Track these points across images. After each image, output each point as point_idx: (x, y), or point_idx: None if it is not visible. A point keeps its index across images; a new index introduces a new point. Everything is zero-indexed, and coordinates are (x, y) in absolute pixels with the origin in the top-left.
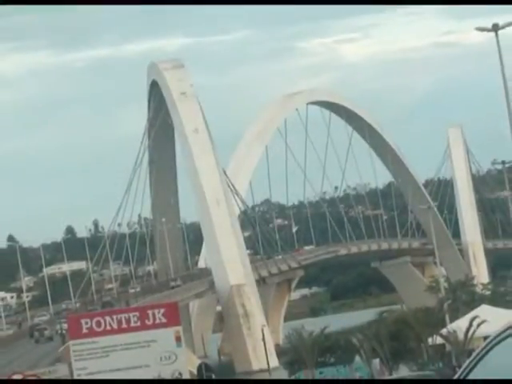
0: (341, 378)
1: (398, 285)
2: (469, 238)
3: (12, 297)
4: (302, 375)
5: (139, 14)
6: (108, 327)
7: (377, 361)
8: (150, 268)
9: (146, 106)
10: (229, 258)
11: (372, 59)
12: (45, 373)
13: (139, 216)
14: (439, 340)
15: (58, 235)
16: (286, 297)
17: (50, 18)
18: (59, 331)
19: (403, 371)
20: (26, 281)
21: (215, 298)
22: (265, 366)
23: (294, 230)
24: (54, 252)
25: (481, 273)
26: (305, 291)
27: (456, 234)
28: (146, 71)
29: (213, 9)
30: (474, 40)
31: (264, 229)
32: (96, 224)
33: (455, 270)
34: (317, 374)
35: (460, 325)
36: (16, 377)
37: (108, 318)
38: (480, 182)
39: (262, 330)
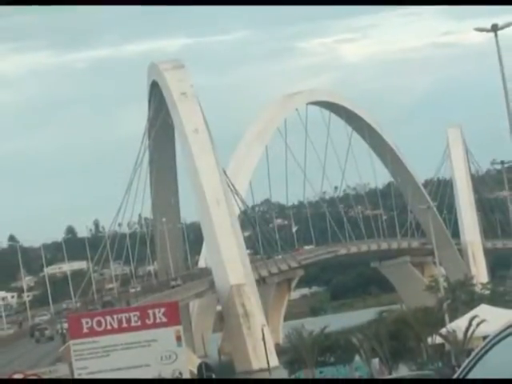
0: (341, 377)
1: (398, 284)
2: (468, 238)
3: (13, 296)
4: (302, 374)
5: (139, 15)
6: (108, 327)
7: (376, 360)
8: (151, 268)
9: (147, 107)
10: (229, 257)
11: (372, 59)
12: (45, 372)
13: (140, 216)
14: (438, 339)
15: (59, 235)
16: (285, 296)
17: (51, 19)
18: (60, 331)
19: (403, 371)
20: (26, 280)
21: (215, 298)
22: (265, 366)
23: (294, 229)
24: (55, 252)
25: (480, 272)
26: (305, 291)
27: (455, 233)
28: (146, 72)
29: (213, 9)
30: (474, 40)
31: (264, 229)
32: (96, 224)
33: (454, 269)
34: (317, 374)
35: (459, 324)
36: (17, 376)
37: (108, 318)
38: (479, 182)
39: (262, 330)
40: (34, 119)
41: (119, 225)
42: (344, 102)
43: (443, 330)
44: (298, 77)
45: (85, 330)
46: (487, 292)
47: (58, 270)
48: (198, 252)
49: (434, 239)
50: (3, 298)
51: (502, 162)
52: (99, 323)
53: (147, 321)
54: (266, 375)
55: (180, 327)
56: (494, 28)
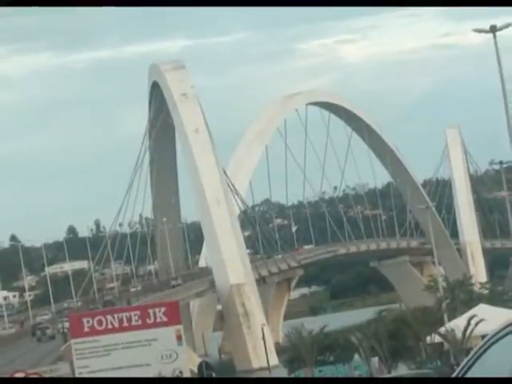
0: (340, 376)
1: (397, 284)
2: (467, 238)
3: (14, 296)
4: (302, 373)
5: (140, 16)
6: (109, 326)
7: (376, 359)
8: (151, 267)
9: (147, 107)
10: (229, 257)
11: (371, 60)
12: (47, 371)
13: (140, 216)
14: (437, 339)
15: (60, 235)
16: (285, 296)
17: (51, 20)
18: (61, 330)
19: (402, 369)
20: (28, 280)
21: (216, 297)
22: (265, 365)
23: (294, 229)
24: (56, 251)
25: (479, 272)
26: (304, 290)
27: (454, 233)
28: (146, 72)
29: (213, 11)
30: (472, 41)
31: (264, 228)
32: (97, 224)
33: (453, 269)
34: (316, 373)
35: (458, 323)
36: (18, 375)
37: (109, 317)
38: (478, 183)
39: (262, 329)
40: (35, 120)
41: (120, 225)
42: (343, 102)
43: (442, 329)
44: (298, 77)
45: (86, 329)
46: (486, 291)
47: (59, 270)
48: (199, 251)
49: (432, 239)
50: (5, 298)
51: (501, 163)
52: (100, 322)
53: (148, 320)
54: (265, 374)
55: (180, 326)
56: (493, 29)
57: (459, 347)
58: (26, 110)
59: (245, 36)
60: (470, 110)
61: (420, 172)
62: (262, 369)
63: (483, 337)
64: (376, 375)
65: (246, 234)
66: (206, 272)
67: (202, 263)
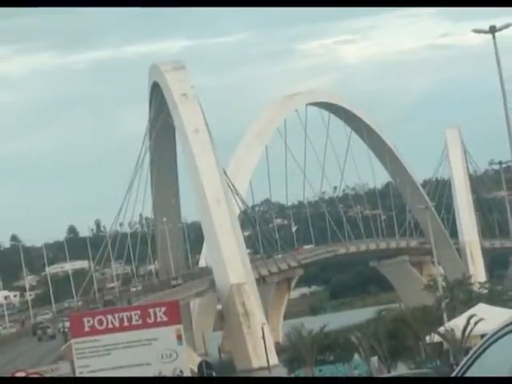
0: (340, 375)
1: (397, 284)
2: (466, 238)
3: (15, 295)
4: (302, 373)
5: (140, 17)
6: (110, 325)
7: (375, 359)
8: (152, 267)
9: (147, 107)
10: (229, 257)
11: (371, 61)
12: (47, 371)
13: (140, 216)
14: (437, 338)
15: (61, 235)
16: (285, 295)
17: (52, 21)
18: (62, 329)
19: (401, 369)
20: (28, 280)
21: (216, 297)
22: (265, 364)
23: (294, 229)
24: (57, 251)
25: (478, 272)
26: (304, 290)
27: (453, 233)
28: (147, 73)
29: (213, 11)
30: (471, 42)
31: (264, 228)
32: (98, 224)
33: (453, 269)
34: (316, 372)
35: (457, 323)
36: (19, 375)
37: (110, 317)
38: (477, 182)
39: (262, 329)
40: (36, 120)
41: (120, 224)
42: (343, 102)
43: (441, 329)
44: (298, 78)
45: (86, 329)
46: (485, 291)
47: (59, 270)
48: (199, 251)
49: (432, 239)
50: (6, 297)
51: (500, 163)
52: (100, 322)
53: (148, 320)
54: (265, 373)
55: (180, 326)
56: (492, 30)
57: (458, 347)
58: (27, 110)
59: (245, 36)
60: (470, 110)
61: (419, 172)
62: (261, 368)
63: (482, 336)
64: (375, 375)
65: (246, 233)
66: (206, 272)
67: (202, 263)
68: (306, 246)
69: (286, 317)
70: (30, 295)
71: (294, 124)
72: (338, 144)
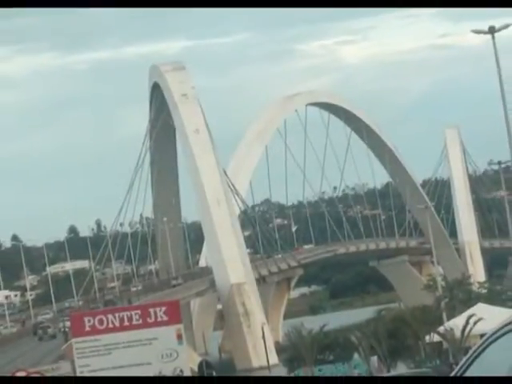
0: (339, 375)
1: (396, 283)
2: (465, 238)
3: (16, 295)
4: (302, 372)
5: (140, 17)
6: (110, 325)
7: (375, 358)
8: (152, 267)
9: (148, 108)
10: (229, 256)
11: (371, 61)
12: (48, 370)
13: (141, 216)
14: (436, 338)
15: (61, 235)
16: (285, 295)
17: (53, 21)
18: (62, 329)
19: (401, 368)
20: (29, 279)
21: (216, 297)
22: (264, 364)
23: (294, 229)
24: (58, 251)
25: (477, 272)
26: (304, 290)
27: (453, 233)
28: (147, 73)
29: (213, 12)
30: (471, 42)
31: (264, 228)
32: (98, 223)
33: (452, 268)
34: (316, 371)
35: (457, 323)
36: (19, 374)
37: (110, 316)
38: (477, 182)
39: (262, 328)
40: (37, 120)
41: (121, 224)
42: (343, 103)
43: (441, 329)
44: (298, 78)
45: (87, 329)
46: (484, 291)
47: (60, 269)
48: (199, 251)
49: (431, 238)
50: (6, 297)
51: (499, 163)
52: (101, 321)
53: (148, 319)
54: (265, 373)
55: (181, 325)
56: (492, 30)
57: (458, 346)
58: (28, 111)
59: (245, 37)
60: (469, 110)
61: (419, 172)
62: (261, 368)
63: (482, 336)
64: (375, 374)
65: (246, 233)
66: (207, 271)
67: (202, 263)
68: (306, 246)
69: (285, 316)
70: (31, 295)
71: (294, 124)
72: (337, 144)
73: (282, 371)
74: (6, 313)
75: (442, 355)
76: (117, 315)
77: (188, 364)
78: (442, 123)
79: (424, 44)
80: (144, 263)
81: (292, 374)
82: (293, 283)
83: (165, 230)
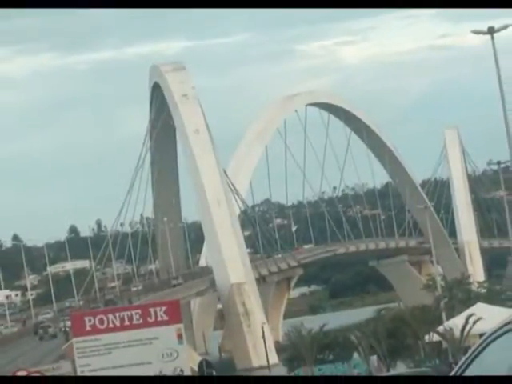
0: (339, 374)
1: (396, 283)
2: (465, 237)
3: (17, 295)
4: (301, 372)
5: (140, 18)
6: (111, 325)
7: (374, 358)
8: (152, 267)
9: (148, 108)
10: (229, 256)
11: (370, 62)
12: (48, 370)
13: (141, 215)
14: (436, 337)
15: (62, 234)
16: (285, 295)
17: (53, 22)
18: (63, 329)
19: (400, 368)
20: (30, 279)
21: (216, 296)
22: (264, 363)
23: (294, 229)
24: (58, 251)
25: (477, 271)
26: (304, 289)
27: (452, 233)
28: (147, 74)
29: (213, 12)
30: (470, 43)
31: (264, 228)
32: (99, 223)
33: (451, 268)
34: (315, 371)
35: (456, 322)
36: (20, 373)
37: (111, 316)
38: (476, 182)
39: (262, 328)
40: (38, 120)
41: (121, 224)
42: (343, 103)
43: (440, 328)
44: (298, 78)
45: (87, 328)
46: (484, 290)
47: (61, 269)
48: (199, 251)
49: (431, 238)
50: (7, 297)
51: (499, 163)
52: (101, 321)
53: (149, 319)
54: (265, 372)
55: (181, 325)
56: (491, 31)
57: (457, 346)
58: (28, 111)
59: (245, 37)
60: (469, 110)
61: (418, 172)
62: (261, 367)
63: (481, 335)
64: (375, 373)
65: (246, 233)
66: (207, 271)
67: (202, 262)
68: (306, 246)
69: (285, 316)
70: (32, 294)
71: (294, 124)
72: (337, 144)
73: (281, 371)
74: (7, 312)
75: (442, 355)
76: (117, 315)
77: (188, 363)
78: (442, 123)
79: (423, 44)
80: (144, 263)
81: (292, 374)
82: (293, 283)
83: (165, 229)
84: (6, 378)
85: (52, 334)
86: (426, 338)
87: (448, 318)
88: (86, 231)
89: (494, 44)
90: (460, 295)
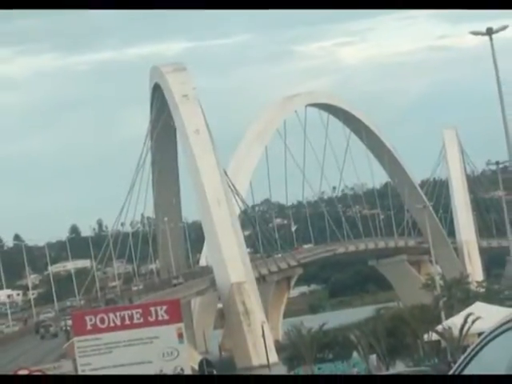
0: (339, 373)
1: (395, 282)
2: (464, 237)
3: (18, 294)
4: (301, 371)
5: (141, 19)
6: (111, 324)
7: (374, 356)
8: (153, 266)
9: (149, 109)
10: (229, 256)
11: (369, 63)
12: (50, 368)
13: (142, 215)
14: (435, 336)
15: (63, 234)
16: (285, 294)
17: (54, 22)
18: (64, 328)
19: (399, 367)
20: (31, 279)
21: (216, 296)
22: (264, 362)
23: (293, 229)
24: (59, 251)
25: (475, 271)
26: (304, 289)
27: (451, 232)
28: (148, 74)
29: (213, 13)
30: (469, 44)
31: (264, 228)
32: (100, 223)
33: (450, 268)
34: (315, 370)
35: (455, 321)
36: (21, 372)
37: (111, 315)
38: (475, 183)
39: (262, 327)
40: (39, 121)
41: (122, 224)
42: (342, 103)
43: (439, 327)
44: (297, 79)
45: (88, 327)
46: (482, 290)
47: (62, 269)
48: (199, 251)
49: (430, 238)
50: (9, 296)
51: (497, 163)
52: (102, 320)
53: (149, 318)
54: (265, 371)
55: (181, 324)
56: (489, 31)
57: (456, 345)
58: (30, 111)
59: (245, 38)
60: (467, 111)
61: (417, 172)
62: (261, 366)
63: (480, 335)
64: (374, 372)
65: (247, 233)
66: (207, 271)
67: (202, 262)
68: (306, 246)
69: (285, 315)
70: (33, 294)
71: (294, 125)
72: (337, 144)
73: (281, 370)
74: (9, 312)
75: (441, 354)
76: (118, 314)
77: (189, 362)
78: (441, 124)
79: (422, 45)
80: (145, 262)
81: (292, 373)
82: (292, 282)
83: (165, 229)
84: (8, 377)
85: (53, 333)
86: (425, 337)
87: (447, 317)
88: (87, 231)
89: (492, 45)
90: (459, 294)
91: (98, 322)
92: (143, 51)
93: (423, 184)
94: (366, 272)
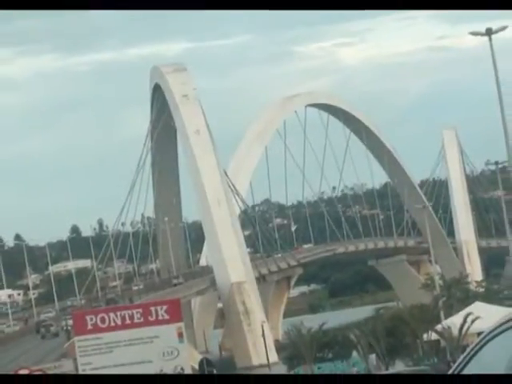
0: (338, 372)
1: (394, 282)
2: (463, 237)
3: (19, 294)
4: (301, 370)
5: (141, 19)
6: (112, 323)
7: (373, 356)
8: (153, 266)
9: (149, 109)
10: (229, 256)
11: (369, 63)
12: (50, 368)
13: (142, 215)
14: (434, 336)
15: (64, 234)
16: (285, 294)
17: (54, 23)
18: (65, 327)
19: (399, 366)
20: (32, 278)
21: (216, 295)
22: (264, 362)
23: (293, 229)
24: (60, 250)
25: (475, 271)
26: (303, 288)
27: (451, 232)
28: (148, 75)
29: (213, 14)
30: (468, 44)
31: (264, 228)
32: (100, 223)
33: (450, 267)
34: (315, 369)
35: (454, 321)
36: (22, 372)
37: (112, 315)
38: (474, 183)
39: (262, 327)
40: (39, 121)
41: (122, 224)
42: (342, 104)
43: (439, 327)
44: (297, 80)
45: (89, 327)
46: (482, 290)
47: (62, 269)
48: (200, 250)
49: (429, 238)
50: (9, 296)
51: (496, 163)
52: (103, 320)
53: (150, 318)
54: (265, 371)
55: (182, 324)
56: (489, 32)
57: (455, 344)
58: (30, 112)
59: (245, 39)
60: (467, 111)
61: (417, 172)
62: (261, 366)
63: (479, 334)
64: (374, 372)
65: (247, 233)
66: (207, 270)
67: (202, 262)
68: (306, 246)
69: (285, 315)
70: (34, 294)
71: (294, 125)
72: (336, 145)
73: (281, 369)
74: (9, 311)
75: (440, 353)
76: (118, 314)
77: (189, 362)
78: (440, 124)
79: (421, 46)
80: (145, 262)
81: (292, 372)
82: (292, 282)
83: (166, 229)
84: (8, 377)
85: (54, 332)
86: (425, 336)
87: (446, 317)
88: (87, 231)
89: (491, 45)
90: (458, 294)
91: (98, 322)
92: (143, 52)
93: (423, 184)
94: (366, 272)
